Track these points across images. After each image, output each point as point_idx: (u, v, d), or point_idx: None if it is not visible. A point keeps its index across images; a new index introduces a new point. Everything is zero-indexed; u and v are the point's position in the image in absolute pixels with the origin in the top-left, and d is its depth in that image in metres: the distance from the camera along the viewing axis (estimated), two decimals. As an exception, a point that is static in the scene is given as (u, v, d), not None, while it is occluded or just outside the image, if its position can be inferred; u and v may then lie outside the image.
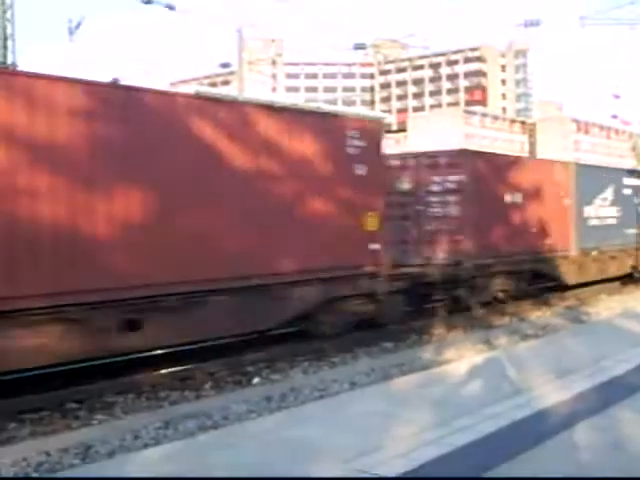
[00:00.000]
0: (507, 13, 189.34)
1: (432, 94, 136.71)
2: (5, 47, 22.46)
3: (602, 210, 20.95)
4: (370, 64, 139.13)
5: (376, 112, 77.49)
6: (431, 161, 16.39)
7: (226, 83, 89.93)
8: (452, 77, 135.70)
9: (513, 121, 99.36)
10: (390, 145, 55.46)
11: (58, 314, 8.91)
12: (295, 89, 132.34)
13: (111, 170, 9.52)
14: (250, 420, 7.32)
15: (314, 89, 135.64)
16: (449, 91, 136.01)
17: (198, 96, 14.02)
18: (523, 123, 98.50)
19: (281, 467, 5.28)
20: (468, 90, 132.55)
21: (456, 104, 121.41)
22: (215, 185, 10.68)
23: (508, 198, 17.09)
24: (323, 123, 12.73)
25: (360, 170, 12.85)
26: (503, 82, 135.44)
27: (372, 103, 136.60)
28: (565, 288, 19.35)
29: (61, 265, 8.90)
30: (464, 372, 8.37)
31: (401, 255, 15.31)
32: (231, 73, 65.60)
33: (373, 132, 13.43)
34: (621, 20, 30.66)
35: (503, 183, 17.08)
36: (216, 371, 10.80)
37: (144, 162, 9.89)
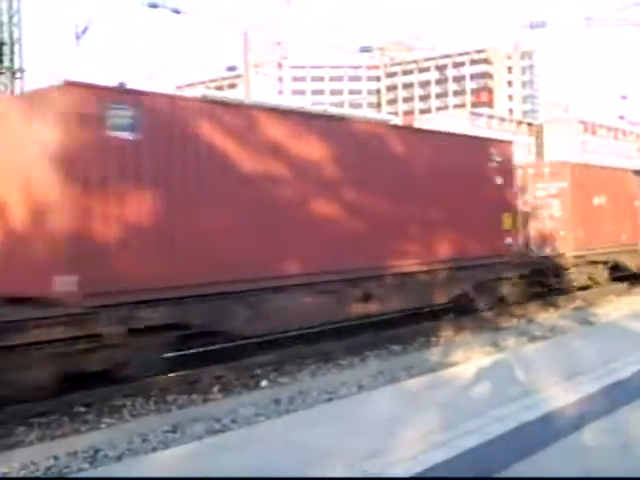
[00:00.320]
0: (513, 15, 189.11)
1: (438, 96, 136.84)
2: (12, 52, 22.60)
3: None
4: (376, 66, 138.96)
5: (383, 114, 77.40)
6: (537, 171, 20.25)
7: (232, 86, 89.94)
8: (458, 79, 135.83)
9: (520, 122, 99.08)
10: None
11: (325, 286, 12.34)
12: (301, 92, 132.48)
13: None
14: (258, 423, 7.31)
15: (320, 92, 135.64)
16: (455, 93, 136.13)
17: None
18: (530, 125, 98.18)
19: (290, 470, 5.27)
20: (474, 92, 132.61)
21: (463, 106, 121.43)
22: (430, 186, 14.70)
23: (596, 201, 20.82)
24: (471, 143, 16.63)
25: (499, 180, 16.40)
26: (509, 84, 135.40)
27: (379, 105, 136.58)
28: (571, 289, 19.81)
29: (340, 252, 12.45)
30: (472, 374, 8.33)
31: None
32: (237, 76, 65.55)
33: (506, 150, 17.05)
34: (627, 21, 30.36)
35: (592, 188, 20.73)
36: (224, 374, 10.81)
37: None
